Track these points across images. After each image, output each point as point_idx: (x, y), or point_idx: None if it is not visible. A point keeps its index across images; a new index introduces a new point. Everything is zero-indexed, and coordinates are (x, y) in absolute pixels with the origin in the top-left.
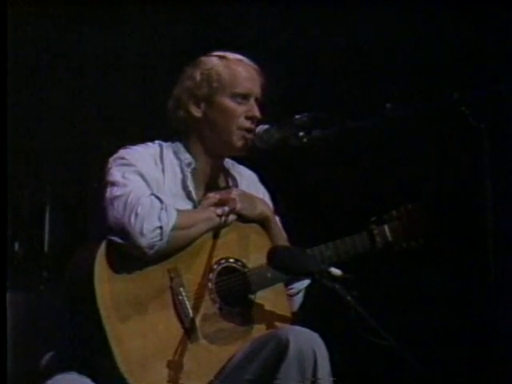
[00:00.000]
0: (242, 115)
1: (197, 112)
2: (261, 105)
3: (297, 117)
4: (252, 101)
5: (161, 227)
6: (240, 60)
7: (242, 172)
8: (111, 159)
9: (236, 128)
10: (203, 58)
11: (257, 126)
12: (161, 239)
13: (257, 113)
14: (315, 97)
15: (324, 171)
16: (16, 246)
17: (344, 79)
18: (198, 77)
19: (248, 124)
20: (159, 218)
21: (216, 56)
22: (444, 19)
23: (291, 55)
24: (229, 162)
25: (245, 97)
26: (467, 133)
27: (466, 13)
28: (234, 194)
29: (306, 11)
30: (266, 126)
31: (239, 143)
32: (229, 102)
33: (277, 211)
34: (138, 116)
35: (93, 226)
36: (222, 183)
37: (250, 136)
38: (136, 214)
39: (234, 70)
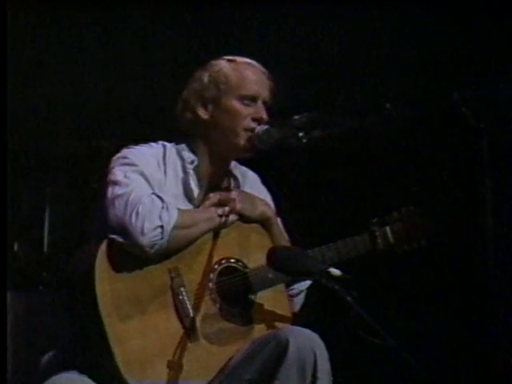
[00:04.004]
0: (249, 117)
1: (204, 114)
2: (269, 108)
3: (296, 117)
4: (259, 103)
5: (162, 226)
6: (249, 63)
7: (245, 173)
8: (114, 158)
9: (242, 129)
10: (212, 61)
11: None
12: (161, 238)
13: (264, 115)
14: (315, 97)
15: (324, 171)
16: (16, 246)
17: (344, 79)
18: (205, 79)
19: (254, 125)
20: (160, 217)
21: (225, 59)
22: (444, 19)
23: (291, 56)
24: (231, 163)
25: (252, 99)
26: (467, 133)
27: (466, 13)
28: (234, 194)
29: (306, 12)
30: (266, 127)
31: (245, 144)
32: (236, 104)
33: (278, 213)
34: (138, 117)
35: (94, 225)
36: (224, 185)
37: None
38: (137, 213)
39: (242, 72)
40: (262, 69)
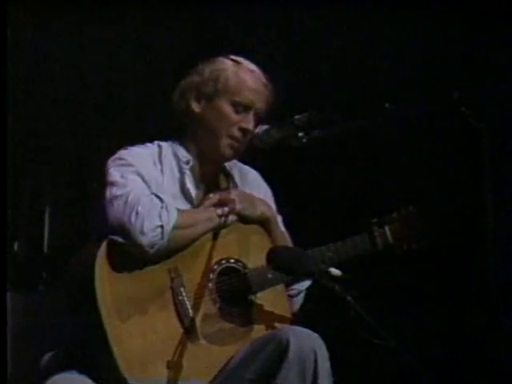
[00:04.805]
0: (236, 124)
1: (196, 107)
2: (260, 119)
3: (296, 117)
4: (251, 114)
5: (161, 226)
6: (252, 71)
7: (244, 171)
8: (110, 160)
9: (226, 134)
10: (217, 58)
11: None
12: (161, 238)
13: (251, 126)
14: (315, 97)
15: (324, 171)
16: (16, 246)
17: (344, 79)
18: (206, 74)
19: (238, 134)
20: (160, 217)
21: (231, 60)
22: (444, 19)
23: (291, 55)
24: (230, 162)
25: (245, 108)
26: (467, 133)
27: (466, 13)
28: (234, 194)
29: (306, 11)
30: (266, 127)
31: (225, 150)
32: (227, 108)
33: (279, 209)
34: (137, 116)
35: (93, 226)
36: (222, 183)
37: (237, 146)
38: (137, 213)
39: (243, 78)
40: (264, 80)
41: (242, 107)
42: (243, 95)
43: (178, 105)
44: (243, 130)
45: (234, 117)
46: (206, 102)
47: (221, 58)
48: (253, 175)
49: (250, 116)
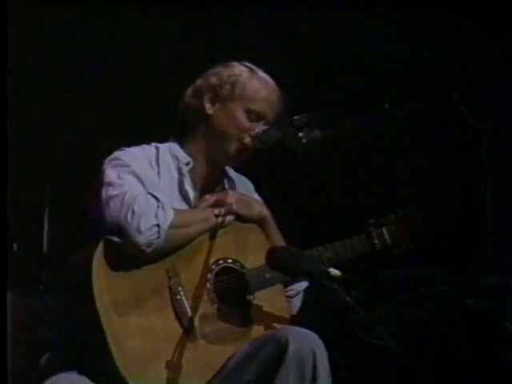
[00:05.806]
0: (247, 132)
1: (209, 109)
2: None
3: (296, 117)
4: (262, 123)
5: (158, 225)
6: (267, 81)
7: (237, 179)
8: (106, 161)
9: (237, 139)
10: (234, 63)
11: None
12: (158, 237)
13: None
14: (315, 97)
15: (323, 172)
16: (15, 246)
17: (344, 79)
18: (224, 77)
19: (248, 141)
20: (156, 216)
21: (247, 67)
22: (444, 19)
23: (291, 56)
24: (226, 167)
25: (258, 117)
26: (467, 133)
27: (465, 13)
28: (231, 195)
29: (306, 12)
30: (266, 127)
31: (234, 154)
32: (241, 115)
33: (278, 209)
34: (138, 117)
35: (90, 226)
36: (219, 185)
37: (244, 152)
38: (133, 212)
39: (258, 87)
40: (278, 91)
41: (255, 116)
42: (258, 104)
43: (189, 104)
44: (253, 138)
45: (247, 124)
46: (220, 105)
47: (236, 63)
48: (245, 183)
49: (261, 126)
